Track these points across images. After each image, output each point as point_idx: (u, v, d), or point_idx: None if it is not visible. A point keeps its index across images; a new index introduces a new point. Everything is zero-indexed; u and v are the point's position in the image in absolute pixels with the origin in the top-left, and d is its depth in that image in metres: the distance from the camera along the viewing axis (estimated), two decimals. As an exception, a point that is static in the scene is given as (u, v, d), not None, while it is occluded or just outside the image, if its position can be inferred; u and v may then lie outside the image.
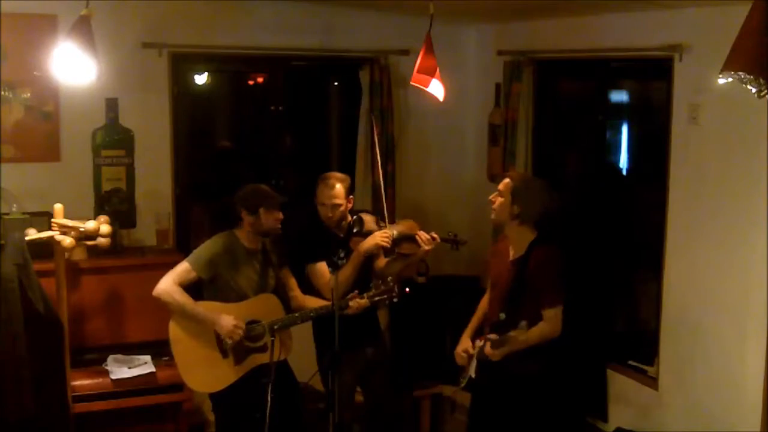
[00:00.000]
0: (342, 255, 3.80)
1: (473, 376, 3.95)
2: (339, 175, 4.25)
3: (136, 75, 4.99)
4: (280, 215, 4.07)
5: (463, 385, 4.05)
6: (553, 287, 3.78)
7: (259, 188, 4.11)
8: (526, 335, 3.63)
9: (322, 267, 3.97)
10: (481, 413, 4.03)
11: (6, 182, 4.57)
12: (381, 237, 4.07)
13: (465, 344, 4.02)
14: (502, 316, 3.77)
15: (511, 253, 3.92)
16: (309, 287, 4.21)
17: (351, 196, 4.25)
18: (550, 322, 3.75)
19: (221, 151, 6.04)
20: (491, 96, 5.58)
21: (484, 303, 4.12)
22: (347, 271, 4.00)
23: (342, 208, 4.17)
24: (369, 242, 4.08)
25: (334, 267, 3.63)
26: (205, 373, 4.01)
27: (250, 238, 4.09)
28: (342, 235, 4.21)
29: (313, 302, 4.12)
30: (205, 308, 3.99)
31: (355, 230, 4.13)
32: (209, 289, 4.06)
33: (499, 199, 3.84)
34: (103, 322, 4.66)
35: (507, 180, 3.86)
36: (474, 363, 3.93)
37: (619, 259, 4.95)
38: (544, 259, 3.78)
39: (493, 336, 3.75)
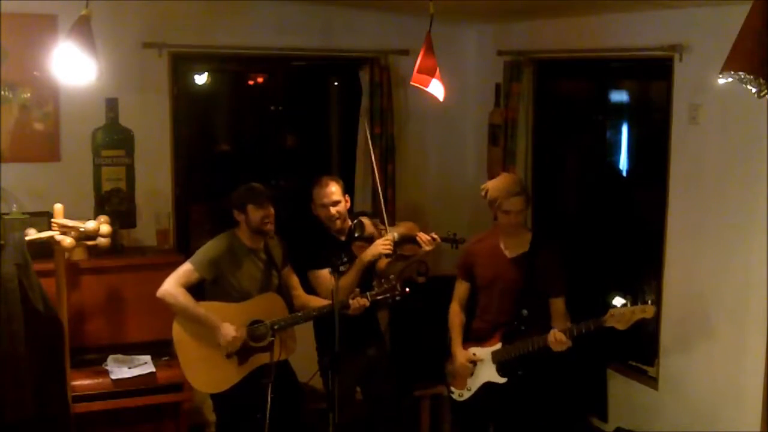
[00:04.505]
0: (344, 260, 3.80)
1: (475, 387, 4.00)
2: (330, 176, 4.29)
3: (136, 75, 4.99)
4: (270, 211, 4.04)
5: (465, 397, 4.05)
6: (563, 278, 3.96)
7: (248, 186, 4.11)
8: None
9: (324, 274, 3.96)
10: (492, 412, 4.04)
11: (6, 182, 4.57)
12: (383, 245, 4.06)
13: (465, 355, 4.03)
14: (525, 312, 3.87)
15: (508, 251, 3.98)
16: (311, 287, 4.21)
17: (347, 195, 4.26)
18: (564, 309, 3.92)
19: (220, 154, 6.05)
20: (491, 96, 5.58)
21: (457, 312, 4.15)
22: (349, 279, 4.00)
23: (341, 206, 4.17)
24: (371, 251, 4.07)
25: (335, 269, 3.64)
26: (209, 373, 4.01)
27: (250, 238, 4.09)
28: (343, 239, 4.22)
29: (315, 301, 4.12)
30: (208, 309, 3.98)
31: (356, 234, 4.13)
32: (212, 289, 4.06)
33: (521, 215, 3.91)
34: (103, 322, 4.65)
35: (525, 197, 3.90)
36: (483, 370, 3.97)
37: (619, 259, 4.95)
38: (553, 253, 3.96)
39: (562, 327, 3.77)
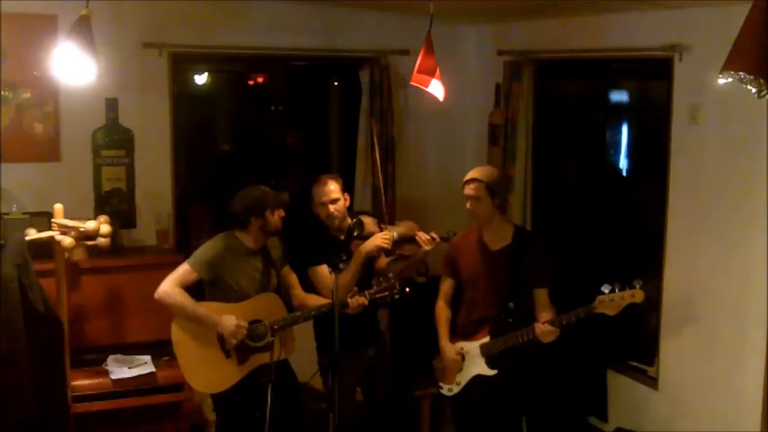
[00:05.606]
0: (344, 258, 3.80)
1: (464, 380, 4.01)
2: (330, 174, 4.29)
3: (136, 75, 4.99)
4: (283, 212, 4.09)
5: (455, 392, 4.06)
6: (547, 270, 3.96)
7: (260, 190, 4.11)
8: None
9: (324, 270, 3.95)
10: (484, 406, 4.05)
11: (6, 182, 4.57)
12: (382, 238, 4.07)
13: (453, 348, 4.05)
14: (511, 305, 3.88)
15: (491, 244, 4.00)
16: (310, 286, 4.21)
17: (346, 194, 4.26)
18: (548, 300, 3.92)
19: (220, 153, 6.05)
20: (491, 96, 5.58)
21: (443, 308, 4.17)
22: (349, 274, 4.00)
23: (340, 204, 4.17)
24: (370, 244, 4.08)
25: (335, 268, 3.64)
26: (208, 374, 4.01)
27: (253, 239, 4.08)
28: (342, 238, 4.22)
29: (314, 300, 4.12)
30: (206, 309, 3.98)
31: (355, 233, 4.13)
32: (211, 289, 4.06)
33: (477, 203, 3.90)
34: (103, 322, 4.66)
35: (475, 184, 3.90)
36: (472, 364, 3.97)
37: (619, 259, 4.95)
38: (537, 244, 4.00)
39: (548, 320, 3.78)
